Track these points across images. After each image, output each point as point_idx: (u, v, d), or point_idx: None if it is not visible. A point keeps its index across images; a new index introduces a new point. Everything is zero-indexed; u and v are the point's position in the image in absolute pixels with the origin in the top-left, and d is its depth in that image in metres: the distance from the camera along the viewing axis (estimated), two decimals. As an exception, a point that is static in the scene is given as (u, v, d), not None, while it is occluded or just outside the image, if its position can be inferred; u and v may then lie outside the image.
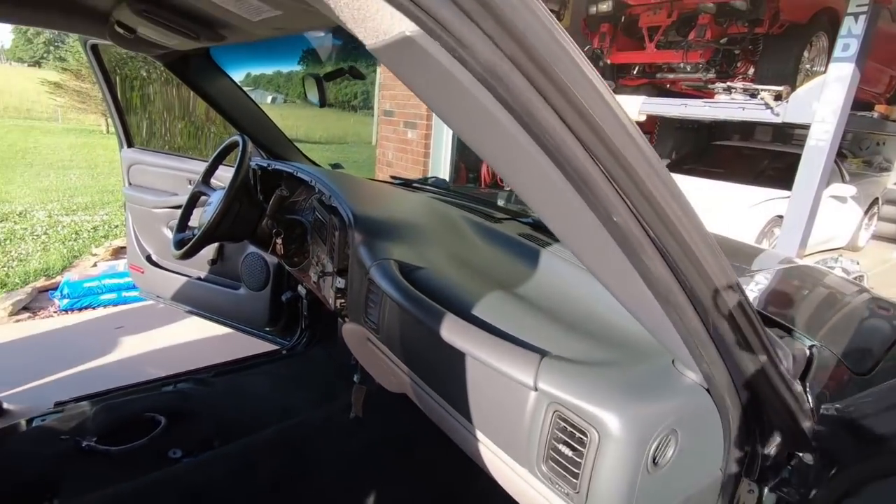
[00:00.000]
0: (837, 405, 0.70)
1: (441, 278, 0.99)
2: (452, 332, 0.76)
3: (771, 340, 0.75)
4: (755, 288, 1.40)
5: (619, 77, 5.10)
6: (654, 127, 7.59)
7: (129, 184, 2.67)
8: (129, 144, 2.66)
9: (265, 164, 1.76)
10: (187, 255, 1.46)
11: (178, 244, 1.50)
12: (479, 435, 0.83)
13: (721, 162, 5.90)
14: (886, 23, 5.29)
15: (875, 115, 4.74)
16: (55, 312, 3.25)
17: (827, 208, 4.79)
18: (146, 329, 3.10)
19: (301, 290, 2.12)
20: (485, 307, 0.87)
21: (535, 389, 0.67)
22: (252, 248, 2.27)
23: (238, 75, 1.98)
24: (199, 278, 2.56)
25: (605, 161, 0.49)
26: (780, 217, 3.91)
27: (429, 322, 0.80)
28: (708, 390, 0.71)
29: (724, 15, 3.88)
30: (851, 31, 3.06)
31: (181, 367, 2.16)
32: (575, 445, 0.66)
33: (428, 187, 1.81)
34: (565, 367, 0.68)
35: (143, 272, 2.72)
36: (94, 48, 2.19)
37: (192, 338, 3.03)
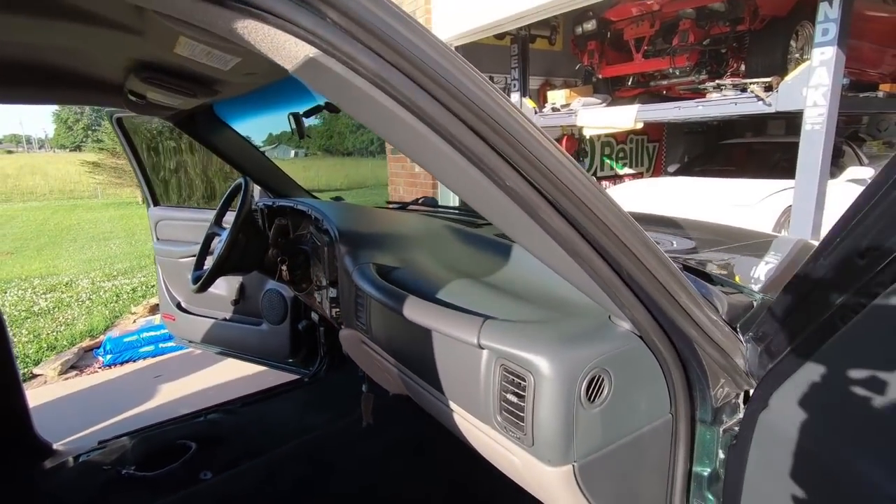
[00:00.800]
0: (751, 332, 0.77)
1: (415, 274, 1.11)
2: (413, 310, 0.87)
3: (700, 288, 0.83)
4: (764, 267, 1.46)
5: (615, 89, 5.23)
6: (661, 135, 7.65)
7: (158, 239, 2.91)
8: (156, 203, 2.91)
9: (270, 203, 1.93)
10: (203, 288, 1.61)
11: (195, 280, 1.66)
12: (452, 404, 0.93)
13: (732, 160, 5.88)
14: (878, 4, 5.31)
15: (881, 94, 4.69)
16: (100, 368, 3.48)
17: (846, 194, 4.70)
18: (182, 375, 3.29)
19: (314, 316, 2.25)
20: (449, 291, 0.98)
21: (480, 347, 0.77)
22: (271, 285, 2.43)
23: (244, 126, 2.19)
24: (226, 319, 2.74)
25: (490, 137, 0.61)
26: (793, 206, 3.87)
27: (397, 307, 0.91)
28: (641, 337, 0.79)
29: (704, 18, 4.00)
30: (828, 16, 3.12)
31: (213, 403, 2.31)
32: (519, 392, 0.75)
33: (419, 207, 1.95)
34: (506, 326, 0.78)
35: (174, 319, 2.92)
36: (119, 121, 2.47)
37: (225, 378, 3.19)
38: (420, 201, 1.98)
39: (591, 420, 0.74)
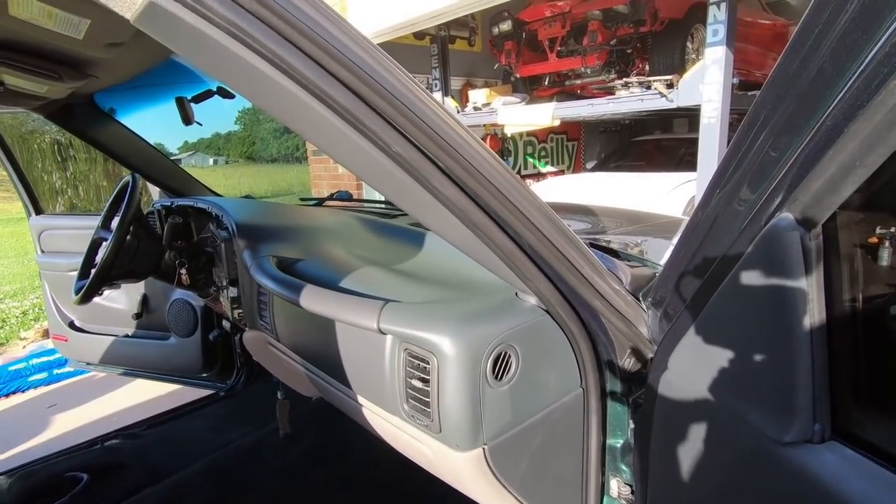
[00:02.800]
0: (650, 300, 0.77)
1: (319, 265, 1.03)
2: (311, 299, 0.81)
3: (605, 261, 0.83)
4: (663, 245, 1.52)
5: (533, 89, 5.38)
6: (579, 134, 8.00)
7: (42, 251, 2.60)
8: (38, 211, 2.60)
9: (169, 203, 1.77)
10: (86, 299, 1.44)
11: (77, 290, 1.48)
12: (360, 398, 0.87)
13: (642, 155, 6.26)
14: (758, 12, 5.88)
15: (764, 93, 5.17)
16: (-20, 402, 3.05)
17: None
18: (82, 402, 2.96)
19: (227, 325, 2.10)
20: (353, 279, 0.92)
21: (381, 332, 0.72)
22: (177, 294, 2.24)
23: (141, 124, 2.00)
24: (128, 335, 2.48)
25: (369, 97, 0.56)
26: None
27: (294, 298, 0.84)
28: (547, 311, 0.77)
29: (610, 19, 4.21)
30: (717, 18, 3.39)
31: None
32: (423, 376, 0.70)
33: (335, 203, 1.86)
34: (408, 308, 0.74)
35: (67, 340, 2.61)
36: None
37: (132, 402, 2.90)
38: (334, 196, 1.90)
39: (500, 399, 0.71)
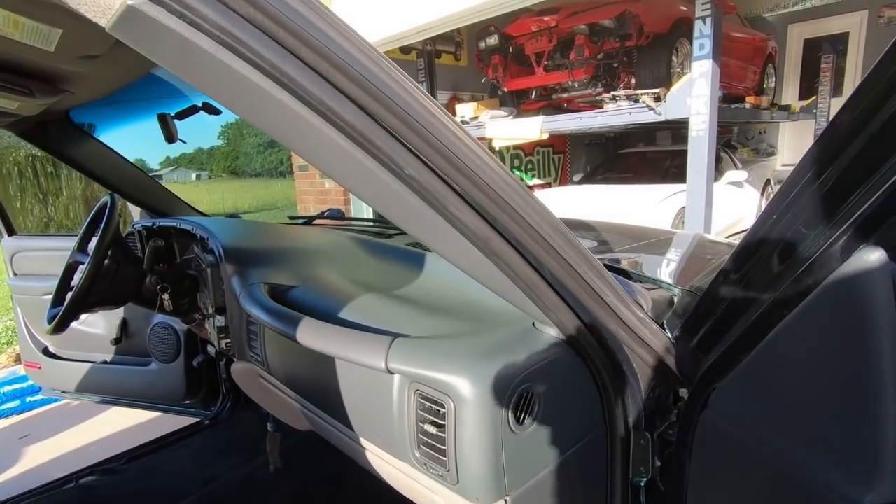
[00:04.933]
0: (679, 330, 0.72)
1: (314, 293, 0.96)
2: (309, 334, 0.73)
3: (624, 286, 0.77)
4: (669, 261, 1.47)
5: (520, 103, 5.39)
6: (565, 147, 8.04)
7: (14, 274, 2.47)
8: (11, 232, 2.47)
9: (150, 224, 1.67)
10: (59, 328, 1.34)
11: (51, 319, 1.38)
12: (363, 441, 0.79)
13: (629, 168, 6.31)
14: (739, 27, 6.00)
15: (747, 105, 5.25)
16: (-55, 435, 2.88)
17: (727, 195, 5.18)
18: (56, 432, 2.81)
19: (212, 350, 1.99)
20: (354, 309, 0.85)
21: (389, 371, 0.65)
22: (159, 318, 2.13)
23: (121, 141, 1.91)
24: (105, 362, 2.36)
25: (379, 114, 0.50)
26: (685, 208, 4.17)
27: (289, 332, 0.77)
28: (569, 343, 0.71)
29: (596, 34, 4.24)
30: (703, 32, 3.42)
31: (94, 462, 1.95)
32: (438, 421, 0.63)
33: (325, 221, 1.79)
34: (418, 344, 0.67)
35: (40, 367, 2.47)
36: (-48, 135, 2.06)
37: (110, 431, 2.76)
38: (325, 214, 1.83)
39: (522, 445, 0.64)
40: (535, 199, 0.62)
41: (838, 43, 6.68)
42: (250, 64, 0.45)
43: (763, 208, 0.47)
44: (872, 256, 0.37)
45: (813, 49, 7.14)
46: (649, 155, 6.70)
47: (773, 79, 6.89)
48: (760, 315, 0.49)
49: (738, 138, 8.02)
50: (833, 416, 0.44)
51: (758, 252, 0.49)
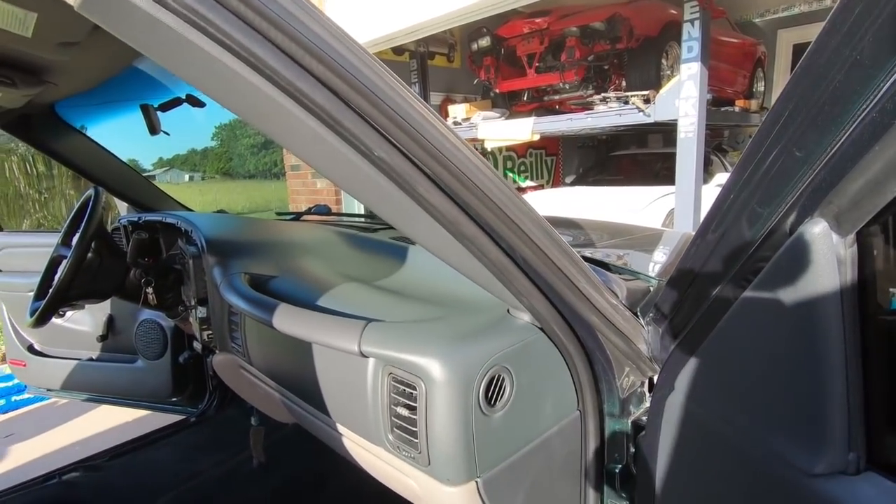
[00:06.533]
0: (650, 316, 0.73)
1: (295, 282, 0.97)
2: (285, 320, 0.74)
3: (600, 275, 0.78)
4: (656, 258, 1.49)
5: (512, 104, 5.42)
6: (558, 149, 8.08)
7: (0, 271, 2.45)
8: (-5, 229, 2.46)
9: (136, 218, 1.67)
10: (40, 321, 1.33)
11: (32, 312, 1.37)
12: (340, 428, 0.80)
13: (620, 170, 6.35)
14: (728, 31, 6.06)
15: (737, 108, 5.31)
16: (-72, 434, 2.84)
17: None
18: (42, 431, 2.78)
19: (198, 346, 1.99)
20: (332, 298, 0.85)
21: (362, 354, 0.65)
22: (145, 315, 2.12)
23: (107, 135, 1.90)
24: (92, 359, 2.35)
25: (347, 95, 0.51)
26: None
27: (266, 318, 0.77)
28: (542, 328, 0.72)
29: (587, 36, 4.27)
30: (691, 35, 3.46)
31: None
32: (410, 403, 0.64)
33: (312, 217, 1.79)
34: (391, 328, 0.67)
35: (25, 365, 2.45)
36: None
37: (97, 429, 2.74)
38: (312, 210, 1.83)
39: (493, 427, 0.65)
40: (508, 185, 0.63)
41: (826, 48, 6.74)
42: (218, 43, 0.45)
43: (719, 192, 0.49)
44: (816, 229, 0.38)
45: (801, 54, 7.19)
46: (640, 157, 6.75)
47: (763, 83, 6.97)
48: (718, 297, 0.50)
49: (728, 142, 8.10)
50: (783, 390, 0.45)
51: (713, 233, 0.50)
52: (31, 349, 2.43)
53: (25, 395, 3.04)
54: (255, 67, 0.47)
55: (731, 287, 0.48)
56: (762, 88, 6.95)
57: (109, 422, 2.74)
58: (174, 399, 2.23)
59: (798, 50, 7.46)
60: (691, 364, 0.56)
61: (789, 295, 0.41)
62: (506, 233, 0.63)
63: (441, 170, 0.56)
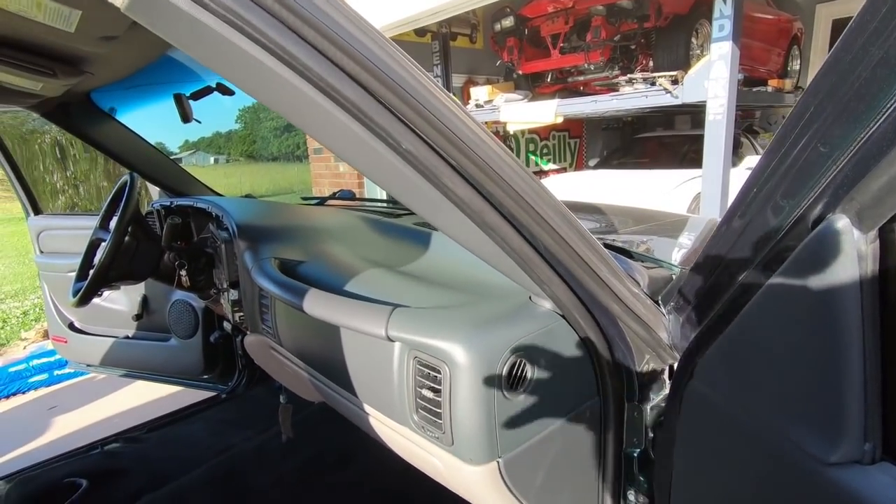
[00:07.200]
0: (672, 304, 0.74)
1: (323, 267, 1.00)
2: (315, 304, 0.77)
3: (621, 263, 0.79)
4: (680, 245, 1.48)
5: (535, 86, 5.34)
6: (581, 131, 7.94)
7: (41, 252, 2.56)
8: (37, 211, 2.56)
9: (168, 203, 1.73)
10: (83, 301, 1.40)
11: (75, 292, 1.44)
12: (367, 407, 0.83)
13: (646, 153, 6.21)
14: (763, 7, 5.82)
15: (770, 89, 5.12)
16: (-20, 405, 3.02)
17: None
18: (83, 404, 2.93)
19: (228, 326, 2.06)
20: (359, 283, 0.88)
21: (389, 339, 0.68)
22: (177, 295, 2.20)
23: (141, 123, 1.96)
24: (128, 337, 2.46)
25: (376, 90, 0.52)
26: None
27: (297, 302, 0.80)
28: (563, 315, 0.74)
29: (613, 15, 4.16)
30: (723, 13, 3.33)
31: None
32: (434, 385, 0.67)
33: (337, 202, 1.83)
34: (417, 314, 0.70)
35: (67, 342, 2.58)
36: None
37: (133, 403, 2.88)
38: (337, 195, 1.86)
39: (515, 411, 0.67)
40: (530, 174, 0.65)
41: (868, 23, 6.42)
42: (256, 42, 0.47)
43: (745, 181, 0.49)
44: (839, 224, 0.39)
45: (841, 30, 6.85)
46: (666, 140, 6.59)
47: (799, 61, 6.69)
48: (740, 286, 0.51)
49: (760, 123, 7.83)
50: (802, 380, 0.46)
51: (736, 225, 0.50)
52: (71, 326, 2.55)
53: (67, 370, 3.20)
54: (289, 64, 0.49)
55: (753, 277, 0.48)
56: (797, 67, 6.67)
57: (145, 396, 2.87)
58: (205, 376, 2.33)
59: (838, 26, 7.12)
60: (711, 352, 0.57)
61: (810, 287, 0.41)
62: (528, 222, 0.64)
63: (466, 161, 0.58)
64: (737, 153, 5.29)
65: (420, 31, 5.11)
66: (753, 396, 0.52)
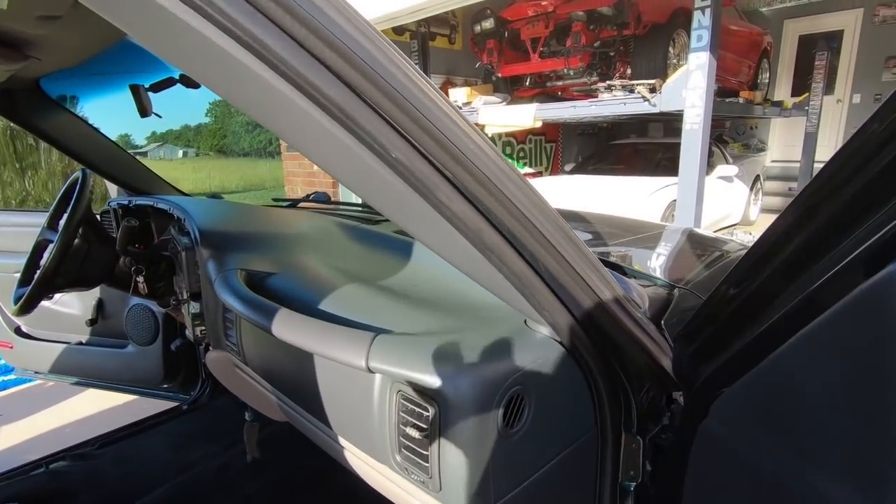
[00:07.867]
0: (680, 332, 0.68)
1: (295, 281, 0.91)
2: (286, 327, 0.68)
3: (621, 283, 0.73)
4: (659, 256, 1.44)
5: (514, 89, 5.31)
6: (558, 136, 7.99)
7: (-17, 251, 2.37)
8: (-20, 207, 2.37)
9: (126, 202, 1.60)
10: (24, 309, 1.27)
11: (17, 299, 1.31)
12: (342, 440, 0.75)
13: (620, 159, 6.27)
14: (736, 20, 5.95)
15: (741, 100, 5.23)
16: (-88, 414, 2.78)
17: (717, 189, 5.18)
18: (31, 412, 2.73)
19: (189, 334, 1.94)
20: (336, 300, 0.80)
21: (370, 370, 0.60)
22: (136, 299, 2.06)
23: (98, 112, 1.82)
24: (81, 343, 2.29)
25: (363, 88, 0.44)
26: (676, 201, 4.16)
27: (265, 324, 0.72)
28: (562, 343, 0.67)
29: (593, 21, 4.17)
30: (701, 24, 3.37)
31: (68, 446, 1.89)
32: (421, 425, 0.59)
33: (310, 204, 1.73)
34: (402, 342, 0.62)
35: (12, 347, 2.39)
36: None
37: (86, 412, 2.69)
38: (311, 197, 1.76)
39: (510, 451, 0.60)
40: (533, 189, 0.58)
41: (832, 41, 6.66)
42: (219, 27, 0.39)
43: (782, 211, 0.43)
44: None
45: (807, 46, 7.13)
46: (641, 146, 6.67)
47: (767, 74, 6.89)
48: (773, 324, 0.45)
49: (729, 133, 8.03)
50: (845, 434, 0.41)
51: (774, 258, 0.45)
52: (17, 331, 2.37)
53: (13, 376, 2.98)
54: (260, 55, 0.41)
55: (790, 319, 0.43)
56: (766, 80, 6.86)
57: (99, 405, 2.69)
58: (165, 385, 2.19)
59: (804, 41, 7.36)
60: (733, 392, 0.52)
61: (870, 339, 0.36)
62: (530, 242, 0.57)
63: (464, 174, 0.51)
64: (708, 162, 5.39)
65: (399, 30, 5.03)
66: (782, 444, 0.46)
